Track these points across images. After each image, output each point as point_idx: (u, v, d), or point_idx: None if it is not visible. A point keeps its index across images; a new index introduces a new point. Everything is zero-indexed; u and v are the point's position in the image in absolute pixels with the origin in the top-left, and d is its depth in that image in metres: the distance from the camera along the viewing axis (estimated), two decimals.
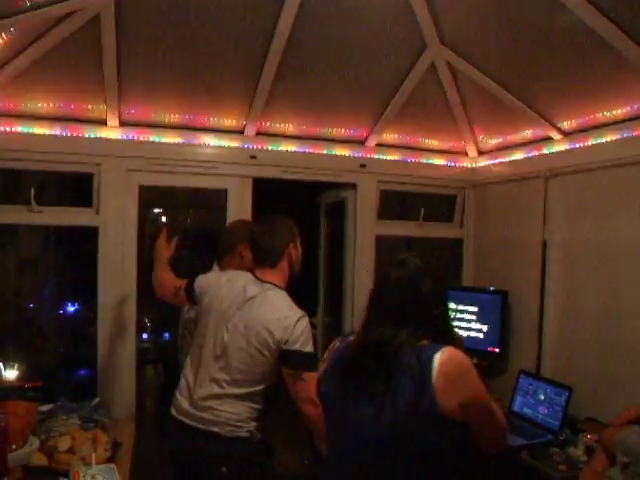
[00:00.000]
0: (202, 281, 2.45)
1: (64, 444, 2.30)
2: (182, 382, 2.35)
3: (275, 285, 2.31)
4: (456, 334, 1.75)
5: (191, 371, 2.33)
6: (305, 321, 2.22)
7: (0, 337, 3.88)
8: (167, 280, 2.62)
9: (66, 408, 2.76)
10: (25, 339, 4.31)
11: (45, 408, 2.70)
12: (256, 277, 2.33)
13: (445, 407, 1.46)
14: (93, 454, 2.24)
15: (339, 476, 1.66)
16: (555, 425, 2.94)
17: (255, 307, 2.23)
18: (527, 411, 3.17)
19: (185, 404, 2.27)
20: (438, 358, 1.48)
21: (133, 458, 2.53)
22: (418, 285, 1.63)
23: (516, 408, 3.25)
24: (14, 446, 2.22)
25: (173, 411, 2.32)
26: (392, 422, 1.49)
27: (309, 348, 2.19)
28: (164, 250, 2.73)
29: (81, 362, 4.38)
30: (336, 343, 1.77)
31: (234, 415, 2.20)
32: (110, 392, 3.22)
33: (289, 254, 2.36)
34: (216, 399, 2.21)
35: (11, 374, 2.86)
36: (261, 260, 2.36)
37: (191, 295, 2.46)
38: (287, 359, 2.17)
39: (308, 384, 2.09)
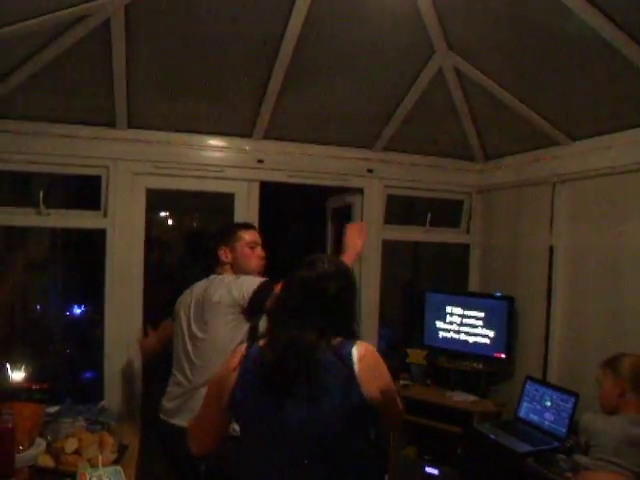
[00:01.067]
0: (177, 301, 2.70)
1: (71, 446, 2.30)
2: (167, 387, 2.56)
3: (219, 274, 2.60)
4: (359, 326, 1.79)
5: (174, 377, 2.53)
6: (246, 276, 2.51)
7: (7, 339, 3.90)
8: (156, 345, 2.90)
9: (72, 410, 2.76)
10: (32, 341, 4.31)
11: (52, 410, 2.71)
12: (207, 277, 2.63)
13: (370, 397, 1.53)
14: (99, 456, 2.24)
15: (262, 471, 1.65)
16: (562, 432, 2.93)
17: (204, 294, 2.49)
18: (533, 417, 3.16)
19: (166, 404, 2.49)
20: (356, 352, 1.55)
21: (139, 460, 2.53)
22: (325, 286, 1.65)
23: (522, 414, 3.24)
24: (21, 447, 2.23)
25: (160, 413, 2.52)
26: (323, 421, 1.52)
27: (258, 281, 2.43)
28: (150, 346, 2.96)
29: (87, 364, 4.40)
30: (243, 350, 1.71)
31: None
32: (116, 394, 3.23)
33: (220, 255, 2.63)
34: (187, 394, 2.39)
35: (18, 376, 2.86)
36: (210, 262, 2.68)
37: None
38: (256, 301, 2.36)
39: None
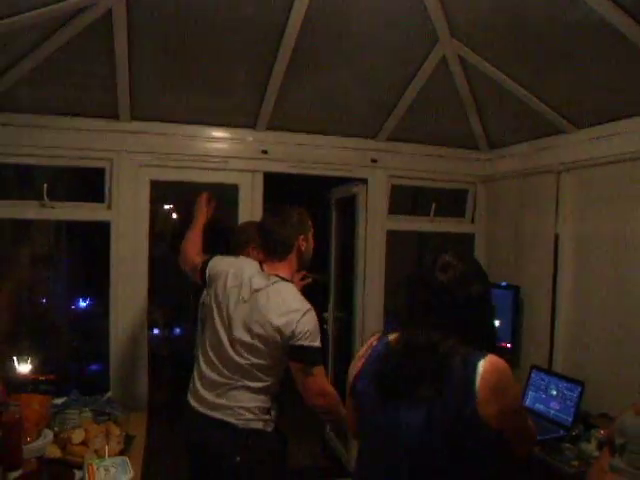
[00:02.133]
0: (213, 268, 2.43)
1: (78, 437, 2.33)
2: (198, 371, 2.36)
3: (281, 278, 2.30)
4: (497, 341, 1.71)
5: (206, 361, 2.33)
6: (311, 314, 2.23)
7: (14, 331, 3.92)
8: (190, 254, 2.61)
9: (79, 401, 2.78)
10: (38, 333, 4.34)
11: (58, 401, 2.73)
12: (262, 269, 2.34)
13: (485, 414, 1.44)
14: (106, 447, 2.27)
15: (375, 477, 1.62)
16: (567, 420, 2.93)
17: (261, 301, 2.23)
18: (539, 406, 3.16)
19: (202, 392, 2.30)
20: (482, 366, 1.46)
21: (145, 451, 2.55)
22: (467, 290, 1.58)
23: (528, 403, 3.23)
24: (29, 438, 2.25)
25: (190, 399, 2.35)
26: (442, 428, 1.47)
27: (317, 342, 2.21)
28: (202, 214, 2.78)
29: (93, 356, 4.42)
30: (374, 341, 1.70)
31: (247, 406, 2.23)
32: (122, 386, 3.25)
33: (299, 246, 2.35)
34: (230, 389, 2.24)
35: (24, 368, 2.88)
36: (270, 252, 2.37)
37: (203, 277, 2.46)
38: (296, 354, 2.18)
39: (317, 378, 2.17)
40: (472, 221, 4.21)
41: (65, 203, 3.31)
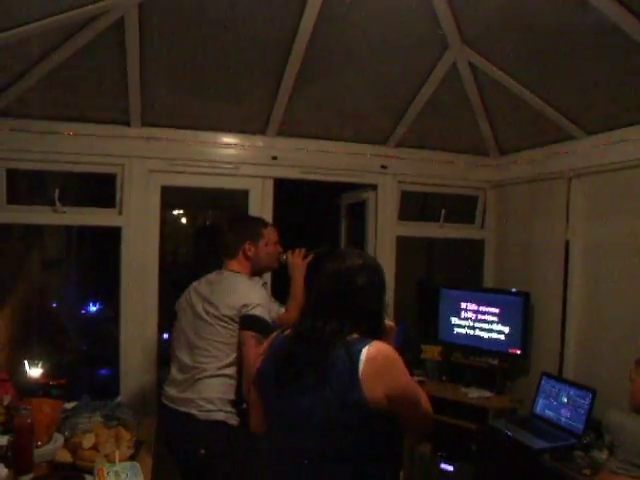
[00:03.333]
0: (177, 302, 2.74)
1: (88, 441, 2.33)
2: (169, 375, 2.61)
3: (234, 271, 2.60)
4: (386, 325, 1.77)
5: (173, 362, 2.60)
6: (260, 292, 2.52)
7: (24, 335, 3.94)
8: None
9: (89, 406, 2.78)
10: (48, 338, 4.36)
11: (69, 406, 2.74)
12: (219, 270, 2.65)
13: (371, 398, 1.50)
14: (116, 451, 2.26)
15: (276, 461, 1.70)
16: (578, 428, 2.91)
17: (214, 288, 2.55)
18: (549, 414, 3.14)
19: (169, 390, 2.54)
20: (365, 352, 1.52)
21: (155, 456, 2.55)
22: (351, 279, 1.65)
23: (538, 410, 3.22)
24: (39, 442, 2.26)
25: (163, 398, 2.59)
26: (324, 412, 1.54)
27: (266, 316, 2.44)
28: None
29: (103, 361, 4.44)
30: (273, 337, 1.80)
31: (208, 397, 2.39)
32: (132, 391, 3.25)
33: (244, 250, 2.62)
34: (193, 383, 2.44)
35: (35, 372, 2.90)
36: (220, 252, 2.69)
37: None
38: (249, 323, 2.38)
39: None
40: (482, 227, 4.20)
41: (77, 208, 3.33)
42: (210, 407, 2.38)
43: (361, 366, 1.50)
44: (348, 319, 1.61)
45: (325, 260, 1.75)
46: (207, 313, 2.48)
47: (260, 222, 2.80)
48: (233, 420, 2.42)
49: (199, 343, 2.48)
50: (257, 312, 2.40)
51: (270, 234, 2.74)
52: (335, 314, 1.61)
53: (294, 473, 1.63)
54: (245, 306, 2.40)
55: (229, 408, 2.42)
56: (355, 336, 1.60)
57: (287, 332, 1.74)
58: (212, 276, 2.64)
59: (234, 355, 2.44)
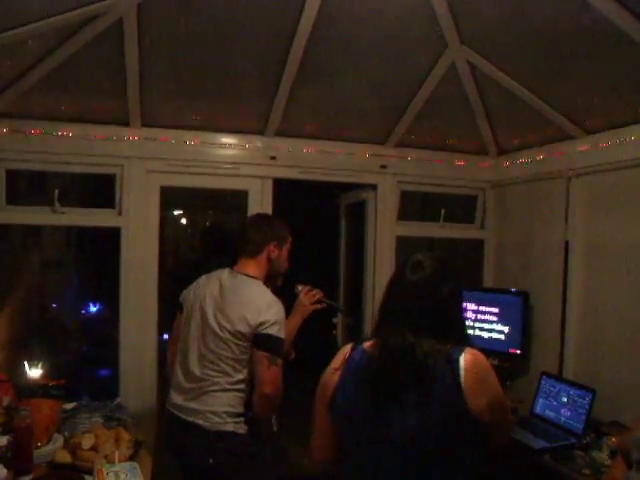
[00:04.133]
0: (184, 293, 2.60)
1: (88, 442, 2.33)
2: (174, 378, 2.50)
3: (249, 276, 2.45)
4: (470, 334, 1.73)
5: (180, 367, 2.47)
6: (278, 307, 2.36)
7: (24, 336, 3.94)
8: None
9: (89, 407, 2.79)
10: (48, 338, 4.36)
11: (68, 406, 2.74)
12: (232, 270, 2.50)
13: (475, 408, 1.45)
14: (116, 452, 2.27)
15: None
16: (578, 428, 2.90)
17: (229, 295, 2.39)
18: (549, 413, 3.13)
19: (175, 398, 2.43)
20: (463, 360, 1.47)
21: (155, 456, 2.55)
22: (438, 289, 1.59)
23: (538, 410, 3.21)
24: (39, 443, 2.27)
25: (168, 405, 2.49)
26: (429, 429, 1.46)
27: (282, 334, 2.33)
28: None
29: (103, 362, 4.43)
30: (347, 351, 1.68)
31: (216, 410, 2.32)
32: (132, 392, 3.25)
33: (268, 251, 2.50)
34: (201, 394, 2.35)
35: (35, 373, 2.90)
36: (242, 249, 2.52)
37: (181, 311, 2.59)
38: (263, 343, 2.28)
39: (279, 368, 2.28)
40: (481, 227, 4.20)
41: (76, 209, 3.34)
42: (218, 419, 2.31)
43: (462, 375, 1.45)
44: (441, 330, 1.55)
45: (403, 271, 1.65)
46: (219, 326, 2.34)
47: (287, 226, 2.65)
48: (241, 429, 2.34)
49: (209, 356, 2.35)
50: (273, 331, 2.28)
51: (290, 239, 2.64)
52: (427, 327, 1.54)
53: None
54: (261, 324, 2.28)
55: (237, 419, 2.34)
56: (449, 346, 1.53)
57: (367, 346, 1.64)
58: (225, 277, 2.48)
59: (245, 371, 2.35)
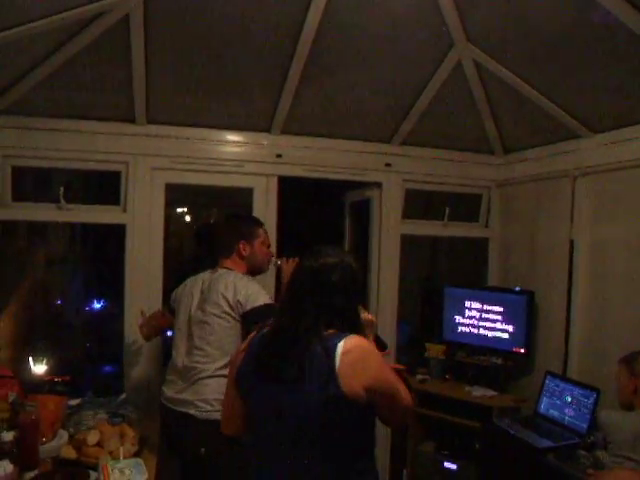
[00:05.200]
0: (174, 294, 2.78)
1: (93, 438, 2.34)
2: (166, 374, 2.64)
3: (229, 269, 2.60)
4: (366, 319, 1.81)
5: (171, 361, 2.61)
6: (254, 283, 2.53)
7: (29, 332, 3.95)
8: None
9: (94, 403, 2.79)
10: (53, 335, 4.37)
11: (73, 402, 2.75)
12: (214, 268, 2.65)
13: (350, 392, 1.51)
14: (121, 448, 2.27)
15: (260, 458, 1.71)
16: (582, 427, 2.90)
17: (210, 285, 2.54)
18: (553, 413, 3.14)
19: (167, 391, 2.55)
20: (341, 346, 1.54)
21: (159, 453, 2.56)
22: (326, 276, 1.67)
23: (542, 410, 3.22)
24: (44, 439, 2.27)
25: (161, 398, 2.59)
26: (305, 408, 1.55)
27: (263, 300, 2.45)
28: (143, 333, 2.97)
29: (107, 358, 4.45)
30: (253, 334, 1.81)
31: (206, 398, 2.39)
32: (136, 388, 3.26)
33: (239, 249, 2.64)
34: (191, 384, 2.45)
35: (40, 369, 2.90)
36: (216, 250, 2.70)
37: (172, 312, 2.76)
38: (252, 316, 2.39)
39: None
40: (486, 226, 4.19)
41: (81, 206, 3.33)
42: (208, 408, 2.39)
43: (337, 360, 1.52)
44: (323, 315, 1.63)
45: (302, 258, 1.77)
46: (202, 311, 2.50)
47: (254, 221, 2.81)
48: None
49: (196, 342, 2.49)
50: (256, 302, 2.41)
51: (264, 234, 2.77)
52: (310, 310, 1.63)
53: (276, 469, 1.65)
54: (243, 302, 2.42)
55: None
56: (331, 331, 1.62)
57: (265, 330, 1.76)
58: (206, 274, 2.65)
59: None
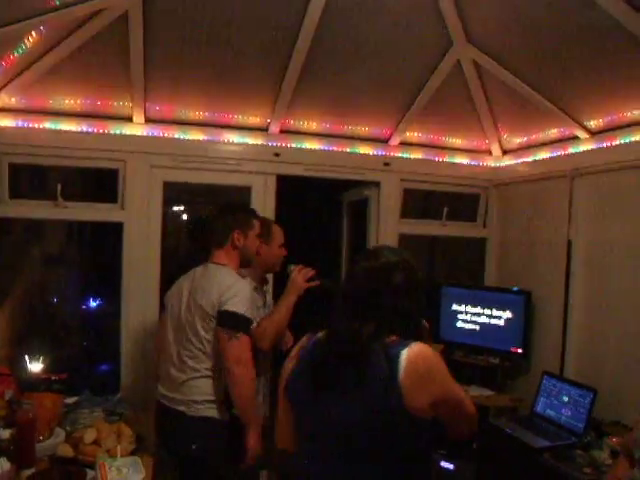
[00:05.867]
0: (167, 293, 2.68)
1: (90, 436, 2.32)
2: (159, 372, 2.59)
3: (219, 264, 2.50)
4: (424, 326, 1.69)
5: (162, 360, 2.55)
6: (241, 284, 2.41)
7: (25, 331, 3.94)
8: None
9: (90, 401, 2.79)
10: (49, 333, 4.36)
11: (70, 401, 2.74)
12: (205, 263, 2.56)
13: (413, 405, 1.41)
14: (118, 446, 2.26)
15: (312, 471, 1.60)
16: (579, 427, 2.90)
17: (198, 284, 2.46)
18: (550, 413, 3.14)
19: (161, 389, 2.52)
20: (405, 355, 1.43)
21: (155, 451, 2.55)
22: (387, 277, 1.56)
23: (539, 409, 3.22)
24: (41, 437, 2.26)
25: (157, 395, 2.56)
26: (361, 419, 1.45)
27: (243, 311, 2.33)
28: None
29: (104, 356, 4.43)
30: (304, 341, 1.70)
31: (196, 399, 2.37)
32: (133, 386, 3.25)
33: (233, 239, 2.53)
34: (179, 381, 2.42)
35: (36, 367, 2.90)
36: (208, 241, 2.59)
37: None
38: (222, 320, 2.32)
39: (241, 344, 2.29)
40: (484, 226, 4.19)
41: (78, 203, 3.32)
42: (199, 407, 2.38)
43: (401, 371, 1.41)
44: (386, 320, 1.52)
45: (358, 258, 1.66)
46: (190, 312, 2.42)
47: (251, 212, 2.70)
48: (223, 416, 2.40)
49: (184, 343, 2.43)
50: (230, 307, 2.31)
51: (277, 235, 2.72)
52: (372, 315, 1.52)
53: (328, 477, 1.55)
54: (221, 303, 2.33)
55: (218, 405, 2.40)
56: (394, 338, 1.50)
57: (320, 335, 1.64)
58: (198, 270, 2.56)
59: (219, 357, 2.38)
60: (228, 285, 2.38)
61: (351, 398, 1.47)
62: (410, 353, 1.43)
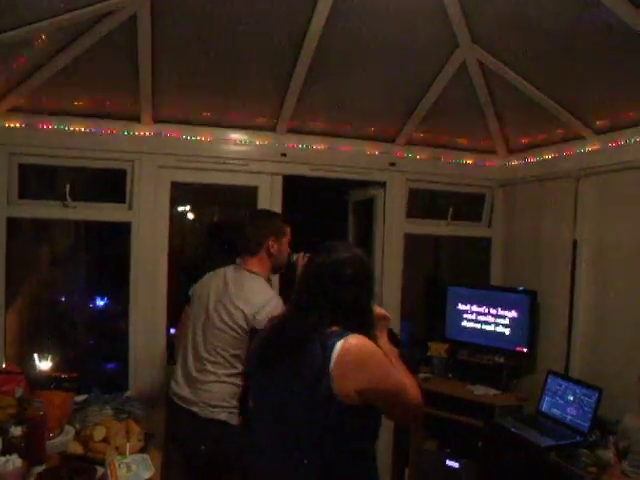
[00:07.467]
0: (192, 289, 2.72)
1: (99, 434, 2.36)
2: (176, 368, 2.62)
3: (252, 272, 2.53)
4: (378, 314, 1.77)
5: (181, 358, 2.59)
6: (276, 302, 2.40)
7: (34, 329, 3.97)
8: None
9: (99, 399, 2.82)
10: (57, 332, 4.39)
11: (80, 399, 2.77)
12: (237, 266, 2.58)
13: (340, 392, 1.49)
14: (127, 444, 2.29)
15: (260, 450, 1.70)
16: (584, 426, 2.91)
17: (230, 290, 2.47)
18: (555, 412, 3.15)
19: (175, 387, 2.54)
20: (340, 346, 1.51)
21: (164, 449, 2.58)
22: (335, 272, 1.65)
23: (544, 408, 3.23)
24: (51, 434, 2.30)
25: (169, 393, 2.59)
26: (295, 403, 1.56)
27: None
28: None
29: (112, 355, 4.47)
30: (278, 315, 1.83)
31: (211, 396, 2.40)
32: (141, 384, 3.28)
33: (268, 246, 2.55)
34: (196, 382, 2.45)
35: (45, 365, 2.93)
36: (242, 248, 2.59)
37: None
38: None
39: None
40: (489, 225, 4.20)
41: (87, 204, 3.35)
42: (213, 409, 2.40)
43: (333, 360, 1.49)
44: (329, 311, 1.60)
45: (314, 254, 1.76)
46: (219, 318, 2.43)
47: (281, 217, 2.72)
48: (234, 420, 2.42)
49: (207, 346, 2.45)
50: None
51: (287, 233, 2.71)
52: (317, 306, 1.61)
53: (274, 468, 1.63)
54: (258, 319, 2.32)
55: (231, 410, 2.42)
56: (335, 329, 1.58)
57: (275, 322, 1.77)
58: (229, 273, 2.56)
59: (240, 365, 2.41)
60: (265, 300, 2.40)
61: (287, 382, 1.58)
62: (344, 344, 1.52)
